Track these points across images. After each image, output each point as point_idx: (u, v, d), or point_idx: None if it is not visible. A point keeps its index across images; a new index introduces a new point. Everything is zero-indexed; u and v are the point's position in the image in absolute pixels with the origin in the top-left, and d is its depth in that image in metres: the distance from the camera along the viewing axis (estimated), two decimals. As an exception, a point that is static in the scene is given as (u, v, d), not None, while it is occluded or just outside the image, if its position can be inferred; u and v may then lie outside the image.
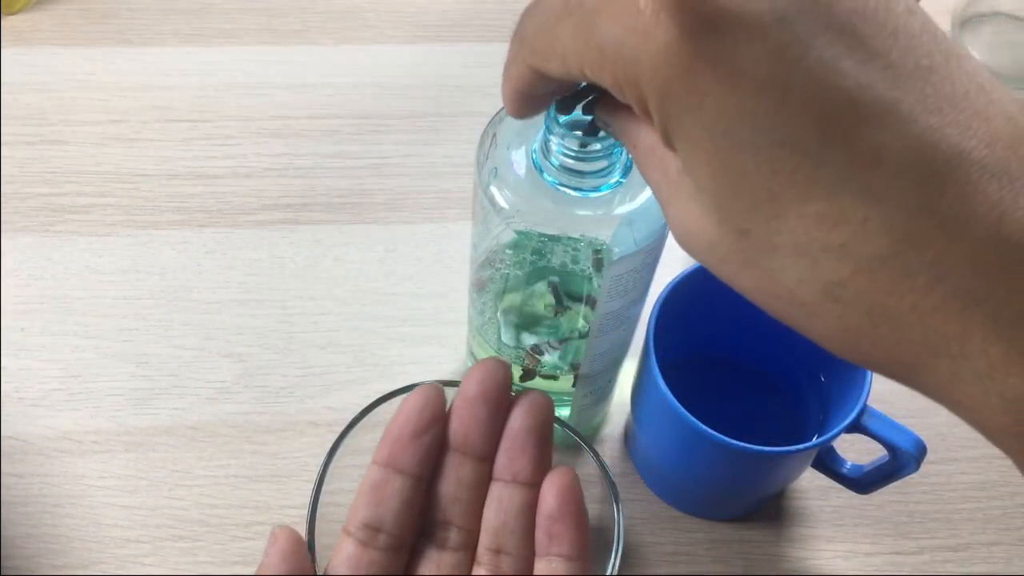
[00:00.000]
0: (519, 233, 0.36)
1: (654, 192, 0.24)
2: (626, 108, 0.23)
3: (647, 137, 0.23)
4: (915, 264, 0.19)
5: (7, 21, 0.64)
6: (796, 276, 0.21)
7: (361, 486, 0.27)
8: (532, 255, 0.38)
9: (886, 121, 0.19)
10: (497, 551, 0.27)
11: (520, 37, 0.25)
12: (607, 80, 0.21)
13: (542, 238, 0.36)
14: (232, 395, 0.51)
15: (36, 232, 0.56)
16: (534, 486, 0.27)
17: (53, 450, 0.49)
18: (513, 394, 0.27)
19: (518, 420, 0.27)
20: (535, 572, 0.27)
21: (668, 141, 0.21)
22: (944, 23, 0.70)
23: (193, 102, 0.62)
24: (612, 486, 0.42)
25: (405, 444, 0.27)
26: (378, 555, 0.27)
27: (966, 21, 0.68)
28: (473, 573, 0.27)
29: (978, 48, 0.67)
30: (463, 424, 0.26)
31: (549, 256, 0.37)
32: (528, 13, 0.24)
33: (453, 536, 0.27)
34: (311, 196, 0.58)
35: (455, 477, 0.27)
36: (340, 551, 0.27)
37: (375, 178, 0.59)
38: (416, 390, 0.27)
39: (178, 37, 0.65)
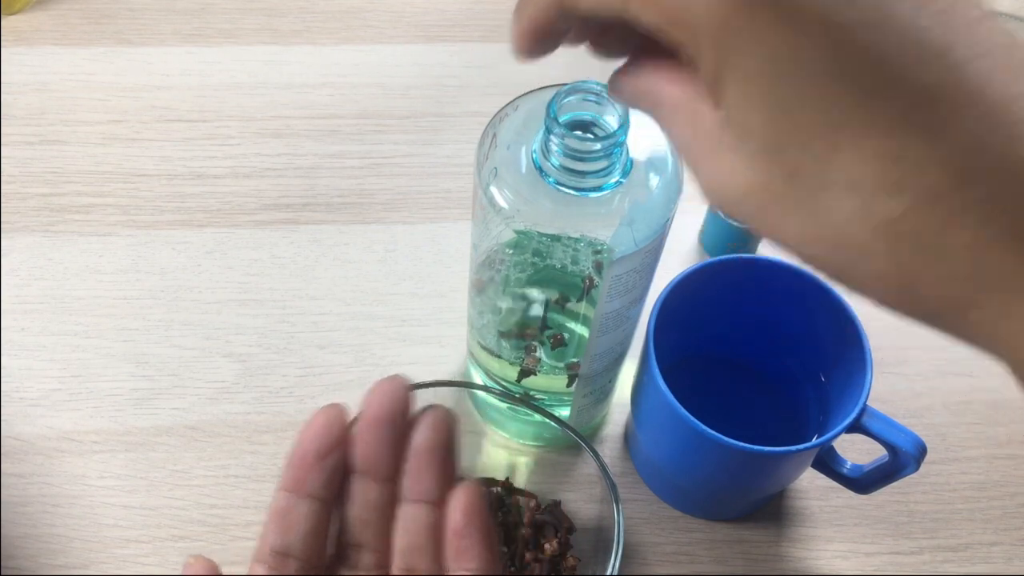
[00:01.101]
0: (519, 233, 0.36)
1: (681, 151, 0.24)
2: (649, 66, 0.25)
3: (675, 93, 0.24)
4: (971, 200, 0.19)
5: (7, 21, 0.65)
6: (848, 215, 0.21)
7: (268, 513, 0.27)
8: (532, 255, 0.38)
9: (942, 63, 0.19)
10: (408, 571, 0.27)
11: None
12: (653, 17, 0.21)
13: (542, 238, 0.36)
14: (232, 395, 0.51)
15: (36, 232, 0.56)
16: (440, 504, 0.27)
17: (53, 450, 0.49)
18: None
19: (421, 439, 0.27)
20: None
21: (716, 83, 0.21)
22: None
23: (193, 102, 0.62)
24: (612, 486, 0.42)
25: (309, 467, 0.27)
26: None
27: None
28: None
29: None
30: (367, 446, 0.27)
31: (549, 256, 0.37)
32: None
33: (365, 558, 0.27)
34: (311, 196, 0.58)
35: (362, 500, 0.27)
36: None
37: (375, 178, 0.59)
38: (317, 412, 0.27)
39: (178, 37, 0.65)
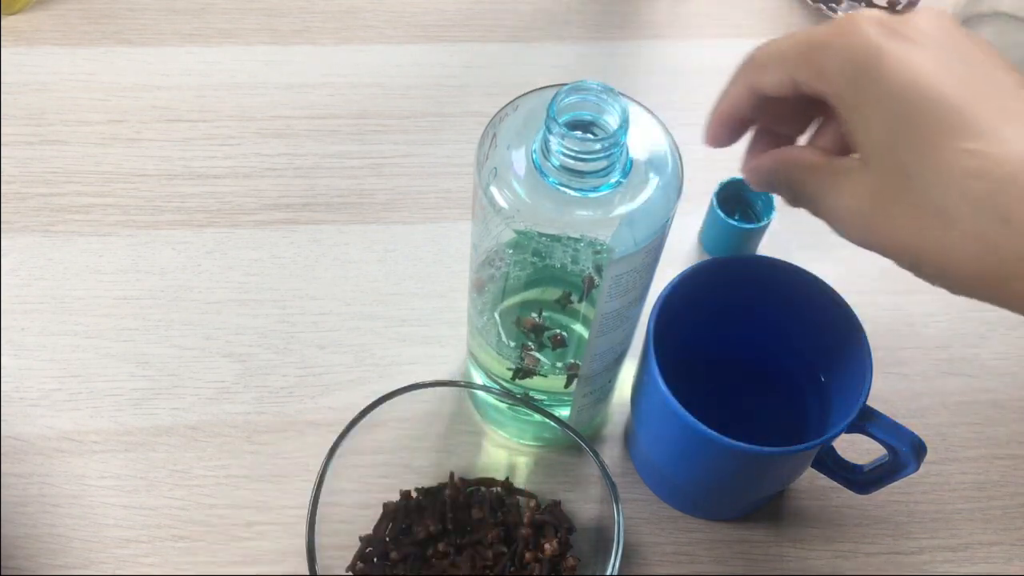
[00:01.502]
0: (519, 233, 0.36)
1: (814, 199, 0.33)
2: (776, 147, 0.35)
3: (810, 155, 0.33)
4: None
5: (7, 21, 0.65)
6: (955, 199, 0.27)
7: None
8: (532, 255, 0.38)
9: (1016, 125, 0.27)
10: None
11: (744, 61, 0.33)
12: (810, 74, 0.30)
13: (542, 238, 0.36)
14: (232, 395, 0.51)
15: (36, 232, 0.56)
16: None
17: (53, 450, 0.49)
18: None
19: None
20: None
21: (849, 111, 0.29)
22: (944, 23, 0.70)
23: (193, 102, 0.62)
24: (612, 486, 0.42)
25: None
26: None
27: (966, 21, 0.68)
28: None
29: (978, 48, 0.67)
30: None
31: (549, 256, 0.37)
32: (756, 48, 0.33)
33: None
34: (311, 196, 0.58)
35: None
36: None
37: (375, 178, 0.59)
38: None
39: (178, 37, 0.65)
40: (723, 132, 0.35)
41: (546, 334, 0.42)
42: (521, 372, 0.44)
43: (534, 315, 0.42)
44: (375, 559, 0.45)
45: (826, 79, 0.30)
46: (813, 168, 0.32)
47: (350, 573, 0.44)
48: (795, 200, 0.34)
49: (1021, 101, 0.28)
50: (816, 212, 0.33)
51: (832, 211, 0.32)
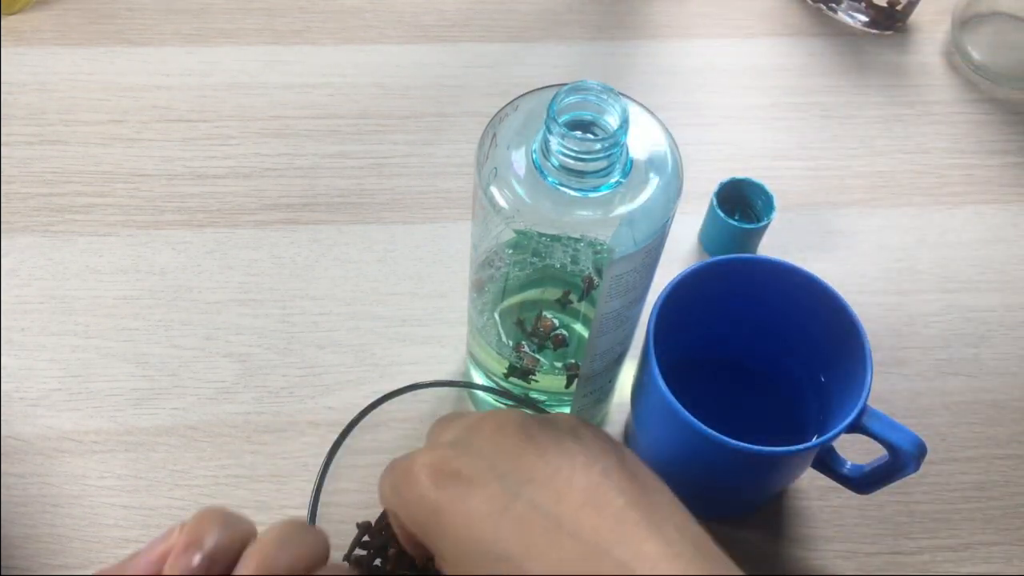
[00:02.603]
0: (519, 233, 0.36)
1: None
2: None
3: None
4: None
5: (7, 21, 0.65)
6: None
7: None
8: (532, 255, 0.38)
9: (567, 543, 0.27)
10: None
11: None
12: (403, 519, 0.30)
13: (542, 238, 0.36)
14: (232, 395, 0.51)
15: (36, 232, 0.56)
16: None
17: (53, 450, 0.49)
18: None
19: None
20: None
21: (437, 556, 0.29)
22: (944, 23, 0.70)
23: (193, 102, 0.62)
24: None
25: None
26: None
27: (966, 21, 0.68)
28: None
29: (978, 48, 0.67)
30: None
31: (549, 256, 0.37)
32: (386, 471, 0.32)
33: None
34: (311, 196, 0.58)
35: None
36: None
37: (375, 178, 0.59)
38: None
39: (178, 37, 0.65)
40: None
41: (551, 333, 0.42)
42: (519, 371, 0.44)
43: (548, 315, 0.42)
44: (372, 550, 0.45)
45: (413, 528, 0.30)
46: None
47: (345, 563, 0.44)
48: None
49: (576, 524, 0.27)
50: None
51: None
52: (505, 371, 0.44)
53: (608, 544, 0.27)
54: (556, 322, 0.42)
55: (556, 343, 0.42)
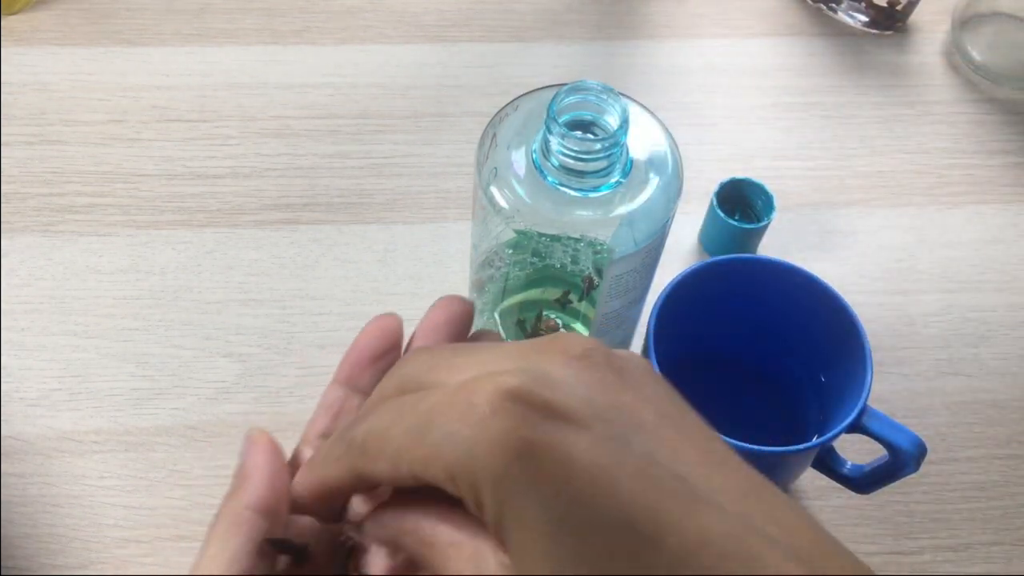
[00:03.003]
0: (519, 233, 0.36)
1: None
2: (417, 504, 0.24)
3: (451, 531, 0.24)
4: None
5: (7, 21, 0.64)
6: None
7: (319, 403, 0.29)
8: (532, 255, 0.38)
9: (705, 511, 0.21)
10: None
11: (346, 441, 0.25)
12: (438, 473, 0.22)
13: (542, 238, 0.36)
14: (232, 395, 0.51)
15: (36, 232, 0.56)
16: None
17: (53, 450, 0.49)
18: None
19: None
20: None
21: (499, 525, 0.21)
22: (944, 23, 0.70)
23: (193, 102, 0.62)
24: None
25: (364, 367, 0.29)
26: None
27: (966, 21, 0.68)
28: None
29: (978, 48, 0.67)
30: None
31: (549, 256, 0.37)
32: (358, 420, 0.25)
33: None
34: (311, 196, 0.58)
35: None
36: (299, 456, 0.28)
37: (375, 178, 0.59)
38: (375, 318, 0.29)
39: (178, 37, 0.65)
40: (320, 501, 0.27)
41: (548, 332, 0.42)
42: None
43: (551, 315, 0.42)
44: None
45: (463, 484, 0.22)
46: (454, 548, 0.23)
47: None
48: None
49: (707, 467, 0.22)
50: None
51: None
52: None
53: (751, 515, 0.22)
54: (559, 322, 0.42)
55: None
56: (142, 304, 0.54)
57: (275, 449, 0.27)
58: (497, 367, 0.23)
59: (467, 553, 0.23)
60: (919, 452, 0.41)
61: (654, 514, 0.21)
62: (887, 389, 0.53)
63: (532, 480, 0.21)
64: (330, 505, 0.27)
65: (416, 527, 0.24)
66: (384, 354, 0.29)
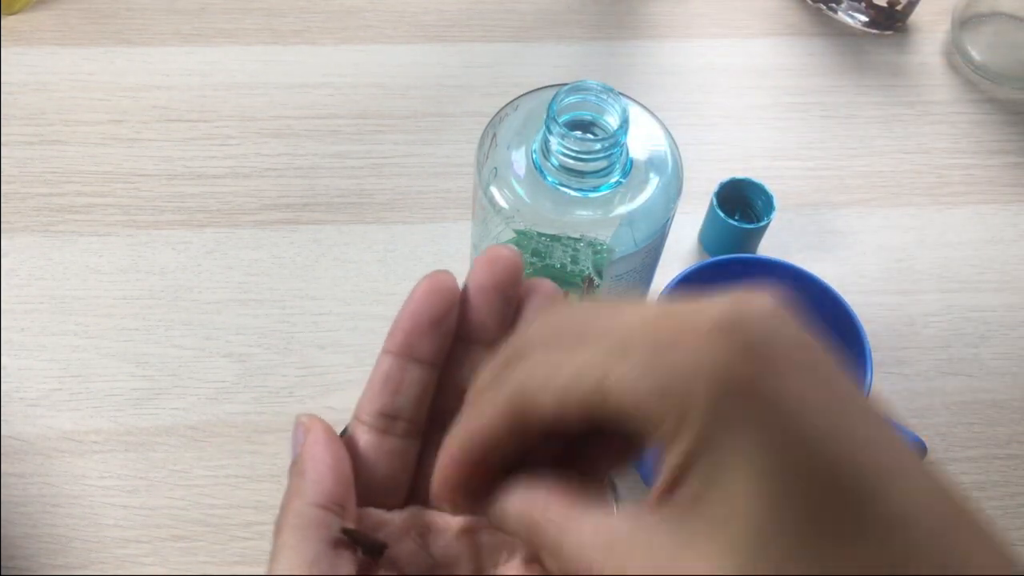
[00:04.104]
0: (519, 233, 0.36)
1: (637, 535, 0.21)
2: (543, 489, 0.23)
3: (592, 525, 0.22)
4: None
5: (7, 21, 0.64)
6: None
7: (373, 377, 0.26)
8: (532, 255, 0.38)
9: (922, 479, 0.20)
10: None
11: (501, 385, 0.23)
12: (649, 383, 0.20)
13: (542, 238, 0.36)
14: (232, 395, 0.51)
15: (36, 232, 0.56)
16: None
17: (53, 450, 0.49)
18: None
19: (534, 310, 0.26)
20: None
21: (695, 459, 0.20)
22: (944, 23, 0.70)
23: (193, 102, 0.62)
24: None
25: (423, 332, 0.26)
26: (397, 442, 0.26)
27: (966, 21, 0.68)
28: None
29: (978, 48, 0.67)
30: (477, 313, 0.26)
31: (549, 256, 0.37)
32: (508, 367, 0.23)
33: None
34: (311, 196, 0.58)
35: (470, 365, 0.26)
36: (356, 439, 0.26)
37: (375, 178, 0.59)
38: (427, 277, 0.26)
39: (178, 37, 0.65)
40: (466, 488, 0.24)
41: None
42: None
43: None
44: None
45: (667, 406, 0.20)
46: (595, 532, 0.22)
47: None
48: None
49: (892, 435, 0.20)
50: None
51: (652, 564, 0.20)
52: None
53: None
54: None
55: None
56: (142, 304, 0.54)
57: (332, 436, 0.25)
58: (692, 307, 0.21)
59: (654, 498, 0.21)
60: (919, 452, 0.41)
61: (878, 467, 0.19)
62: (887, 389, 0.53)
63: (750, 417, 0.19)
64: (479, 495, 0.24)
65: (545, 505, 0.23)
66: (443, 317, 0.26)
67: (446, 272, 0.26)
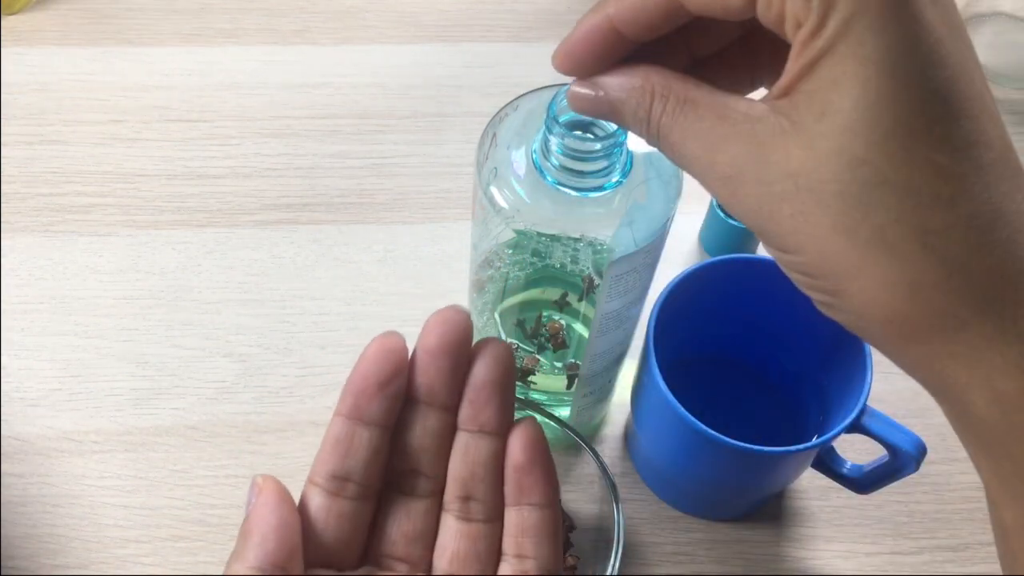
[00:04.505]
0: (519, 233, 0.36)
1: (736, 146, 0.23)
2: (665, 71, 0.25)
3: (707, 93, 0.24)
4: (1003, 230, 0.22)
5: (7, 21, 0.65)
6: (895, 215, 0.22)
7: (325, 439, 0.27)
8: (532, 255, 0.38)
9: (997, 120, 0.23)
10: (466, 498, 0.27)
11: None
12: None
13: (542, 238, 0.36)
14: (232, 395, 0.51)
15: (36, 232, 0.56)
16: (499, 435, 0.27)
17: (53, 450, 0.49)
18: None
19: (482, 372, 0.27)
20: (507, 520, 0.28)
21: (828, 44, 0.22)
22: (944, 23, 0.70)
23: (193, 102, 0.62)
24: (612, 486, 0.42)
25: (371, 395, 0.26)
26: (348, 504, 0.27)
27: (966, 21, 0.68)
28: (442, 520, 0.28)
29: (978, 48, 0.67)
30: (426, 375, 0.26)
31: (549, 256, 0.37)
32: None
33: (422, 484, 0.27)
34: (311, 196, 0.58)
35: (421, 427, 0.27)
36: (308, 502, 0.27)
37: (375, 178, 0.59)
38: (376, 340, 0.26)
39: (178, 37, 0.65)
40: (590, 55, 0.26)
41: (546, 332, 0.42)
42: (519, 372, 0.44)
43: (558, 319, 0.42)
44: None
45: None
46: (733, 109, 0.24)
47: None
48: (655, 142, 0.25)
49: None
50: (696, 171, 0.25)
51: (767, 165, 0.23)
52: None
53: None
54: (563, 323, 0.42)
55: (556, 344, 0.42)
56: (142, 304, 0.54)
57: (283, 497, 0.26)
58: None
59: (749, 111, 0.23)
60: (919, 452, 0.41)
61: (966, 98, 0.22)
62: (887, 389, 0.53)
63: (891, 16, 0.21)
64: (603, 61, 0.26)
65: (669, 83, 0.25)
66: (391, 379, 0.26)
67: (395, 334, 0.26)
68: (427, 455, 0.27)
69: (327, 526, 0.27)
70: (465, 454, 0.27)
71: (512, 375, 0.27)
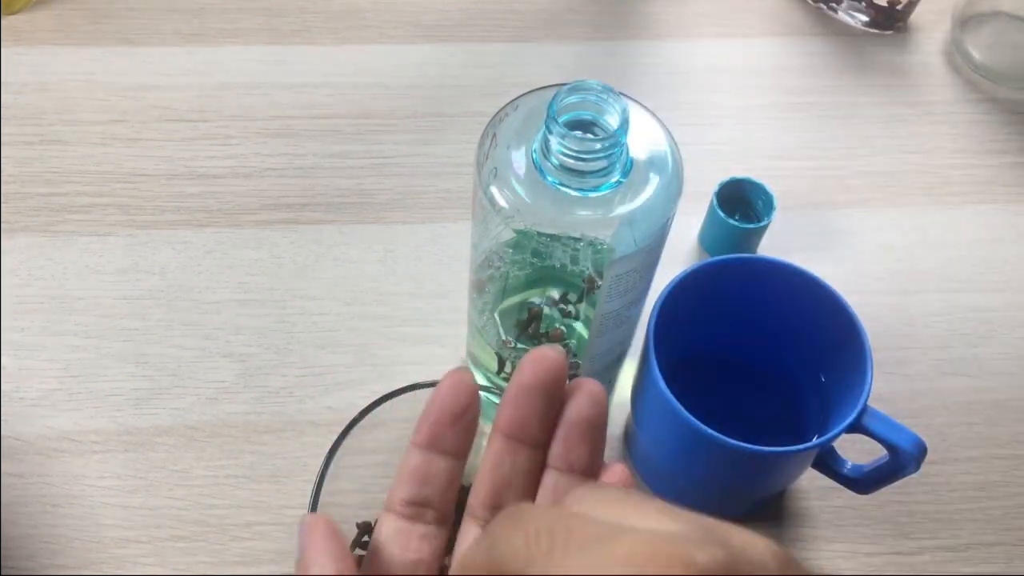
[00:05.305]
0: (519, 232, 0.36)
1: None
2: None
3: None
4: None
5: (7, 21, 0.64)
6: None
7: (401, 468, 0.28)
8: (532, 255, 0.38)
9: None
10: None
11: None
12: None
13: (542, 238, 0.36)
14: (232, 395, 0.51)
15: (36, 232, 0.56)
16: (589, 475, 0.28)
17: (53, 450, 0.49)
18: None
19: (576, 411, 0.28)
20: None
21: None
22: (944, 23, 0.70)
23: (193, 102, 0.62)
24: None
25: (446, 426, 0.28)
26: (427, 528, 0.28)
27: (966, 21, 0.68)
28: None
29: (978, 48, 0.67)
30: (519, 411, 0.27)
31: (549, 256, 0.37)
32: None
33: None
34: (311, 196, 0.58)
35: (511, 463, 0.28)
36: (385, 526, 0.28)
37: (375, 178, 0.59)
38: (450, 374, 0.28)
39: (178, 37, 0.65)
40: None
41: (548, 331, 0.42)
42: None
43: (557, 325, 0.42)
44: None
45: None
46: None
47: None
48: None
49: None
50: None
51: None
52: (506, 372, 0.44)
53: None
54: (563, 329, 0.42)
55: (556, 343, 0.42)
56: (142, 304, 0.54)
57: (334, 533, 0.26)
58: (678, 529, 0.20)
59: None
60: (919, 452, 0.41)
61: None
62: (887, 389, 0.53)
63: None
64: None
65: None
66: (464, 411, 0.28)
67: (465, 369, 0.28)
68: (512, 491, 0.28)
69: (407, 549, 0.27)
70: (553, 492, 0.28)
71: (605, 417, 0.28)
